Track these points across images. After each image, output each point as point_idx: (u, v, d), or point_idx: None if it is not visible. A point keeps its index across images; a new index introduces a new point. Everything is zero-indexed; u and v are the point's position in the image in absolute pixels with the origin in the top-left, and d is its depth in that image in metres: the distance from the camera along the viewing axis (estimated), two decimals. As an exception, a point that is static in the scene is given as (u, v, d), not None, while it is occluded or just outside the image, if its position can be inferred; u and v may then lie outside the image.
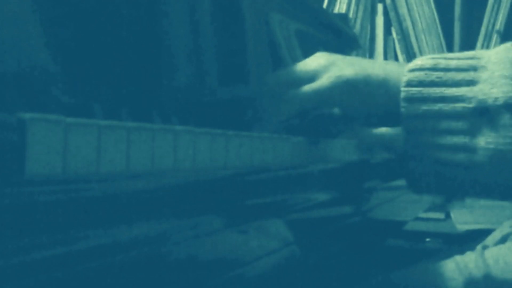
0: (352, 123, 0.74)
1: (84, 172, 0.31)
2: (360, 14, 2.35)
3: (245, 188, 0.53)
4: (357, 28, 2.34)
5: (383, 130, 0.73)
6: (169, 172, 0.39)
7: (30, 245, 0.29)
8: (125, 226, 0.37)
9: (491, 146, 0.60)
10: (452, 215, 1.66)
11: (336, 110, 0.71)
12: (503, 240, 0.89)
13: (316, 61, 0.68)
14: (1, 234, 0.28)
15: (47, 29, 0.45)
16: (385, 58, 2.35)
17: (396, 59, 2.34)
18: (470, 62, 0.63)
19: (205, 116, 0.62)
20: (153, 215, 0.40)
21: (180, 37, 0.63)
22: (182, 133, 0.39)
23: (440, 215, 1.66)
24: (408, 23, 2.32)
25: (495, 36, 2.28)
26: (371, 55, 2.37)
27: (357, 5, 2.35)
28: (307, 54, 0.90)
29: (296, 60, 0.91)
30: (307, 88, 0.67)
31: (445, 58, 0.64)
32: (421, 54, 2.32)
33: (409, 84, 0.63)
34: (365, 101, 0.66)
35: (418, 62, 0.65)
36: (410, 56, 2.33)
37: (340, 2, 2.34)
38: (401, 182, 0.96)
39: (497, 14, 2.28)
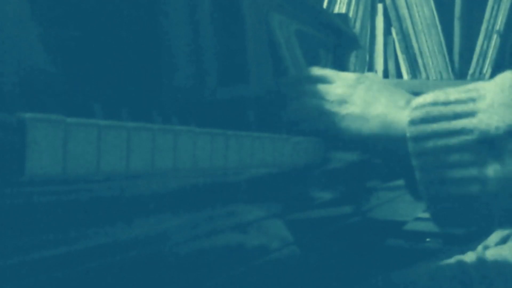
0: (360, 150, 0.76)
1: (84, 172, 0.31)
2: (360, 14, 2.35)
3: (245, 188, 0.53)
4: (357, 28, 2.34)
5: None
6: (169, 172, 0.39)
7: (30, 245, 0.29)
8: (125, 226, 0.37)
9: (500, 175, 0.59)
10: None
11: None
12: (503, 240, 0.89)
13: (344, 85, 0.72)
14: (1, 234, 0.28)
15: (47, 29, 0.45)
16: (385, 58, 2.35)
17: (396, 59, 2.33)
18: (468, 94, 0.64)
19: (205, 116, 0.62)
20: (153, 215, 0.40)
21: (180, 37, 0.63)
22: (182, 133, 0.39)
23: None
24: (408, 23, 2.32)
25: (495, 36, 2.28)
26: (371, 55, 2.37)
27: (357, 5, 2.35)
28: (307, 54, 0.90)
29: (296, 60, 0.91)
30: (327, 107, 0.71)
31: (445, 93, 0.65)
32: (421, 54, 2.32)
33: (413, 122, 0.64)
34: (370, 138, 0.69)
35: (419, 100, 0.66)
36: (410, 56, 2.33)
37: (340, 2, 2.34)
38: (401, 182, 0.96)
39: (497, 14, 2.28)
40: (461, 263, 0.80)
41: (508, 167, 0.59)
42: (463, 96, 0.64)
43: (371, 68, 2.38)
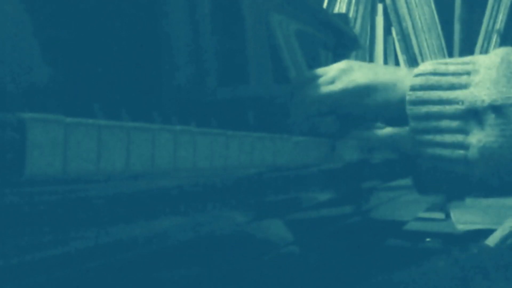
0: (361, 124, 0.80)
1: (84, 172, 0.31)
2: (360, 14, 2.35)
3: (244, 188, 0.53)
4: (357, 28, 2.33)
5: (386, 130, 0.78)
6: (169, 172, 0.39)
7: (30, 245, 0.29)
8: (125, 226, 0.37)
9: (481, 144, 0.66)
10: (452, 215, 1.66)
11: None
12: (503, 240, 0.89)
13: (337, 66, 0.77)
14: (1, 234, 0.28)
15: (48, 29, 0.45)
16: (385, 58, 2.35)
17: (396, 59, 2.33)
18: (465, 67, 0.70)
19: (205, 116, 0.62)
20: (153, 215, 0.40)
21: (180, 37, 0.63)
22: (182, 133, 0.39)
23: (440, 215, 1.66)
24: (408, 23, 2.32)
25: (495, 36, 2.28)
26: (371, 55, 2.37)
27: (357, 5, 2.35)
28: (307, 54, 0.90)
29: (296, 60, 0.91)
30: (324, 90, 0.75)
31: (445, 64, 0.71)
32: (421, 54, 2.32)
33: (413, 88, 0.71)
34: (375, 104, 0.74)
35: (421, 67, 0.72)
36: (410, 56, 2.33)
37: (340, 2, 2.34)
38: (401, 182, 0.96)
39: (497, 14, 2.28)
40: (461, 263, 0.80)
41: (488, 138, 0.66)
42: (460, 68, 0.70)
43: (371, 68, 2.39)
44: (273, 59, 0.84)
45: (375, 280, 0.80)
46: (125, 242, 0.36)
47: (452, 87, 0.69)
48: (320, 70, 0.78)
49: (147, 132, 0.36)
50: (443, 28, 2.32)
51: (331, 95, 0.74)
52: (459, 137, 0.68)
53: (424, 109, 0.69)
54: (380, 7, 2.37)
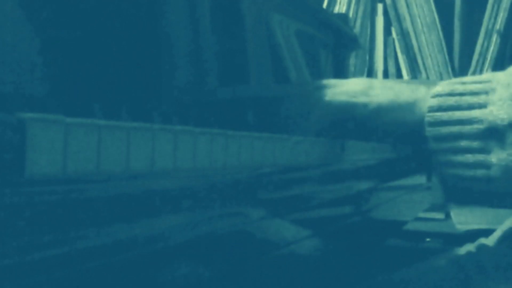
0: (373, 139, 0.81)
1: (84, 172, 0.31)
2: (360, 14, 2.35)
3: (244, 188, 0.53)
4: (357, 28, 2.33)
5: None
6: (169, 172, 0.39)
7: (30, 245, 0.29)
8: (125, 226, 0.37)
9: (503, 162, 0.66)
10: (452, 215, 1.66)
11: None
12: (502, 240, 0.89)
13: (357, 81, 0.77)
14: (1, 234, 0.28)
15: (47, 29, 0.45)
16: (385, 58, 2.35)
17: (396, 59, 2.33)
18: (482, 86, 0.70)
19: (205, 116, 0.62)
20: (153, 215, 0.40)
21: (180, 37, 0.63)
22: (182, 133, 0.39)
23: (440, 215, 1.66)
24: (408, 23, 2.32)
25: (495, 36, 2.28)
26: (371, 55, 2.37)
27: (357, 5, 2.35)
28: (307, 54, 0.90)
29: (296, 60, 0.91)
30: (343, 101, 0.74)
31: (462, 83, 0.72)
32: (421, 54, 2.31)
33: (431, 109, 0.71)
34: (393, 123, 0.74)
35: (438, 88, 0.72)
36: (410, 56, 2.33)
37: (340, 2, 2.34)
38: (401, 182, 0.96)
39: (497, 14, 2.27)
40: (461, 263, 0.80)
41: (509, 157, 0.66)
42: (477, 87, 0.70)
43: (371, 68, 2.38)
44: (273, 59, 0.84)
45: (375, 280, 0.80)
46: (125, 242, 0.36)
47: (471, 106, 0.69)
48: (335, 81, 0.77)
49: (147, 132, 0.36)
50: (443, 28, 2.32)
51: (351, 108, 0.74)
52: (480, 157, 0.68)
53: (444, 130, 0.70)
54: (380, 7, 2.37)
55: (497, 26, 2.28)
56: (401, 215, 1.14)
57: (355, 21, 2.34)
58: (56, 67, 0.46)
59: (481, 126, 0.68)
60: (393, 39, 2.35)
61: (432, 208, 1.54)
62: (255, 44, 0.78)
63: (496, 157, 0.67)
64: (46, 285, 0.30)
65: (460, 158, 0.69)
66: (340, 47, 1.12)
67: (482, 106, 0.68)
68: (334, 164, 0.73)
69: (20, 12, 0.43)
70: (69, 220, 0.32)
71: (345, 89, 0.75)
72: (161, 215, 0.40)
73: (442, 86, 0.72)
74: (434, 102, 0.71)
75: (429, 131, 0.71)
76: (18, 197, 0.29)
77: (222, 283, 0.50)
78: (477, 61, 2.29)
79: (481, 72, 2.29)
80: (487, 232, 0.96)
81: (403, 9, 2.33)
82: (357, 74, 2.34)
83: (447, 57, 2.30)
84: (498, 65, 2.26)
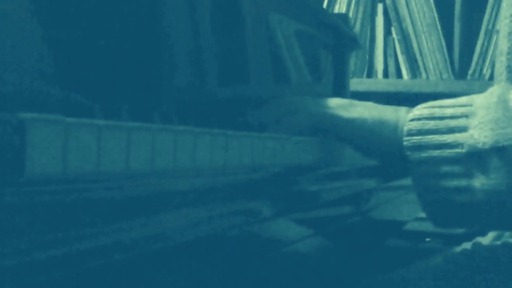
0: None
1: (84, 172, 0.31)
2: (360, 14, 2.35)
3: (244, 188, 0.53)
4: (357, 28, 2.33)
5: None
6: (169, 172, 0.39)
7: (30, 245, 0.29)
8: (125, 226, 0.37)
9: (486, 187, 0.65)
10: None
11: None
12: (497, 238, 0.89)
13: (338, 100, 0.76)
14: (1, 234, 0.28)
15: (47, 29, 0.45)
16: (385, 58, 2.35)
17: (396, 59, 2.33)
18: (462, 109, 0.69)
19: (205, 116, 0.62)
20: (153, 215, 0.40)
21: (180, 37, 0.63)
22: (182, 133, 0.39)
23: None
24: (408, 23, 2.32)
25: (495, 36, 2.28)
26: (371, 55, 2.37)
27: (357, 5, 2.35)
28: (307, 54, 0.90)
29: (296, 60, 0.91)
30: (326, 114, 0.73)
31: (441, 107, 0.70)
32: (421, 54, 2.32)
33: (410, 133, 0.69)
34: (376, 141, 0.73)
35: (416, 112, 0.71)
36: (410, 56, 2.33)
37: (340, 2, 2.34)
38: (401, 182, 0.95)
39: (497, 14, 2.28)
40: (461, 263, 0.80)
41: (492, 181, 0.65)
42: (457, 111, 0.69)
43: (371, 68, 2.38)
44: (273, 59, 0.84)
45: (375, 280, 0.80)
46: (125, 242, 0.36)
47: (450, 130, 0.68)
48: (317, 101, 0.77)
49: (147, 132, 0.36)
50: (443, 28, 2.32)
51: (334, 120, 0.73)
52: (462, 182, 0.67)
53: (424, 154, 0.68)
54: (380, 7, 2.37)
55: (497, 26, 2.28)
56: (401, 215, 1.14)
57: (355, 21, 2.34)
58: (56, 67, 0.46)
59: (462, 150, 0.66)
60: (393, 39, 2.35)
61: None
62: (255, 44, 0.78)
63: (479, 181, 0.66)
64: (46, 285, 0.30)
65: (442, 182, 0.68)
66: (340, 47, 1.12)
67: (462, 129, 0.67)
68: (334, 164, 0.73)
69: (20, 12, 0.43)
70: (69, 220, 0.32)
71: (329, 102, 0.75)
72: (161, 215, 0.40)
73: (421, 110, 0.70)
74: (413, 125, 0.70)
75: (409, 155, 0.69)
76: (18, 197, 0.29)
77: (222, 282, 0.50)
78: (477, 61, 2.29)
79: (481, 72, 2.29)
80: (486, 233, 0.96)
81: (403, 9, 2.33)
82: (357, 74, 2.34)
83: (447, 57, 2.30)
84: (498, 65, 2.25)
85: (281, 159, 0.55)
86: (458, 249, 0.84)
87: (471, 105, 0.68)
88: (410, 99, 1.83)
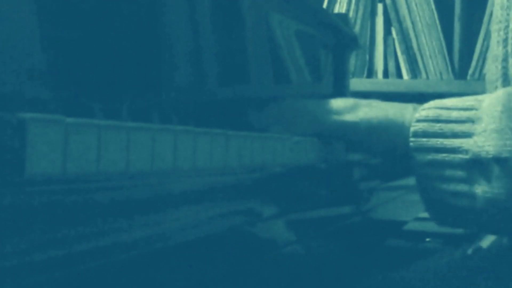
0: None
1: (84, 172, 0.31)
2: (360, 14, 2.35)
3: (244, 188, 0.53)
4: (357, 28, 2.33)
5: None
6: (169, 172, 0.39)
7: (30, 245, 0.29)
8: (125, 226, 0.37)
9: (488, 195, 0.66)
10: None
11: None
12: (497, 239, 0.89)
13: (344, 100, 0.77)
14: (1, 234, 0.28)
15: (47, 29, 0.45)
16: (385, 58, 2.34)
17: (396, 59, 2.33)
18: (468, 113, 0.69)
19: (205, 116, 0.62)
20: (153, 215, 0.40)
21: (180, 37, 0.63)
22: (182, 133, 0.39)
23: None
24: (408, 23, 2.31)
25: (495, 36, 2.28)
26: (371, 55, 2.37)
27: (357, 5, 2.34)
28: (307, 54, 0.90)
29: (296, 60, 0.91)
30: (330, 117, 0.74)
31: (447, 109, 0.70)
32: (421, 54, 2.31)
33: (416, 135, 0.70)
34: (381, 141, 0.73)
35: (423, 113, 0.71)
36: (410, 56, 2.33)
37: (340, 2, 2.33)
38: (401, 182, 0.95)
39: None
40: (460, 263, 0.80)
41: (494, 190, 0.65)
42: (463, 115, 0.69)
43: (371, 68, 2.38)
44: (273, 59, 0.84)
45: (375, 280, 0.80)
46: (125, 242, 0.36)
47: (455, 135, 0.68)
48: (323, 102, 0.77)
49: (147, 132, 0.36)
50: (443, 28, 2.32)
51: (339, 124, 0.73)
52: (464, 187, 0.67)
53: (428, 156, 0.69)
54: (380, 7, 2.37)
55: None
56: (401, 215, 1.14)
57: (355, 21, 2.34)
58: (56, 67, 0.46)
59: (466, 156, 0.67)
60: (393, 39, 2.35)
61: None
62: (255, 44, 0.78)
63: (481, 188, 0.66)
64: (46, 285, 0.30)
65: (445, 186, 0.68)
66: (340, 47, 1.12)
67: (467, 135, 0.67)
68: (334, 164, 0.73)
69: (20, 12, 0.43)
70: (69, 220, 0.32)
71: (333, 104, 0.75)
72: (161, 215, 0.40)
73: (427, 111, 0.71)
74: (419, 127, 0.70)
75: (414, 156, 0.70)
76: (18, 197, 0.29)
77: (222, 282, 0.50)
78: (477, 61, 2.29)
79: (481, 72, 2.29)
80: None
81: (403, 9, 2.32)
82: (357, 74, 2.34)
83: (447, 57, 2.30)
84: (498, 65, 2.25)
85: (281, 159, 0.55)
86: (459, 249, 0.84)
87: (477, 109, 0.68)
88: (410, 99, 1.83)
